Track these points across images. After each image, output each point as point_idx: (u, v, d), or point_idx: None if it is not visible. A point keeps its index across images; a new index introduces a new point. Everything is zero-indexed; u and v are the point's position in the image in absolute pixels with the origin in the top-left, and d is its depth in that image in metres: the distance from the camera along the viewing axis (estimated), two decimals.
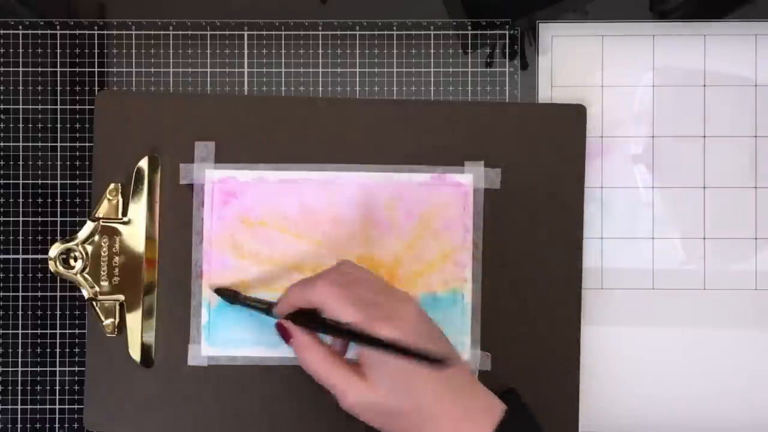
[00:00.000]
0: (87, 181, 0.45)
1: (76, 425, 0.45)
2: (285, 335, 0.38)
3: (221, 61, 0.45)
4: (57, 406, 0.45)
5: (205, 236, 0.44)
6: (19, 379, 0.45)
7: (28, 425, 0.45)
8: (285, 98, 0.45)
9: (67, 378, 0.45)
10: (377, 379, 0.35)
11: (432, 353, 0.31)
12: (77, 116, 0.45)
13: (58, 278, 0.44)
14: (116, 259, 0.43)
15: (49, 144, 0.45)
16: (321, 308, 0.36)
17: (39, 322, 0.45)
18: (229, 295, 0.42)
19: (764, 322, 0.45)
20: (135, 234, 0.43)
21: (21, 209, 0.45)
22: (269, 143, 0.44)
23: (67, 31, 0.45)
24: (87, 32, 0.45)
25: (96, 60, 0.45)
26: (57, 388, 0.45)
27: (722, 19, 0.45)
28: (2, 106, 0.45)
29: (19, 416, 0.45)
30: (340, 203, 0.44)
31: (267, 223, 0.44)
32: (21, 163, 0.45)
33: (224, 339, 0.43)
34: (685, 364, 0.45)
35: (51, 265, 0.43)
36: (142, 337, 0.43)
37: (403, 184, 0.44)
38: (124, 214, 0.43)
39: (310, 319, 0.37)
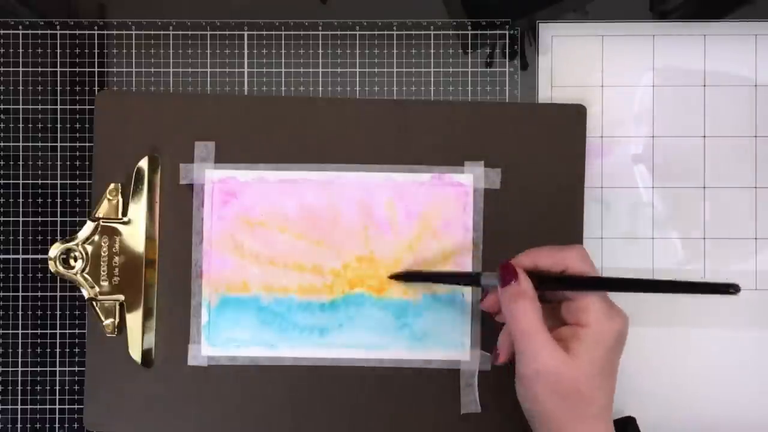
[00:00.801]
0: (87, 181, 0.45)
1: (76, 425, 0.45)
2: (509, 276, 0.36)
3: (221, 61, 0.45)
4: (57, 406, 0.45)
5: (205, 236, 0.44)
6: (19, 379, 0.45)
7: (28, 425, 0.45)
8: (285, 98, 0.45)
9: (67, 378, 0.45)
10: (584, 358, 0.35)
11: (722, 282, 0.32)
12: (77, 116, 0.45)
13: (58, 278, 0.44)
14: (116, 259, 0.43)
15: (49, 144, 0.45)
16: (568, 268, 0.36)
17: (39, 322, 0.45)
18: (415, 277, 0.43)
19: (764, 322, 0.45)
20: (135, 234, 0.43)
21: (21, 209, 0.45)
22: (269, 143, 0.44)
23: (67, 31, 0.45)
24: (87, 32, 0.45)
25: (96, 60, 0.45)
26: (57, 388, 0.45)
27: (722, 19, 0.45)
28: (2, 106, 0.45)
29: (19, 416, 0.45)
30: (340, 203, 0.44)
31: (267, 223, 0.44)
32: (21, 163, 0.45)
33: (224, 339, 0.44)
34: (685, 363, 0.45)
35: (51, 265, 0.43)
36: (142, 337, 0.43)
37: (403, 184, 0.44)
38: (124, 214, 0.43)
39: (536, 279, 0.37)
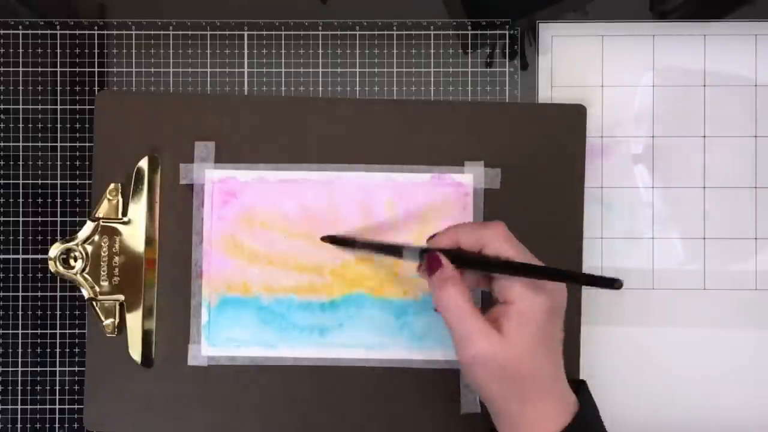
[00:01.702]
0: (87, 181, 0.45)
1: (76, 425, 0.45)
2: (432, 265, 0.36)
3: (221, 61, 0.45)
4: (57, 406, 0.45)
5: (205, 236, 0.44)
6: (19, 379, 0.45)
7: (28, 425, 0.45)
8: (285, 98, 0.45)
9: (67, 378, 0.45)
10: (515, 336, 0.34)
11: (606, 277, 0.31)
12: (77, 116, 0.45)
13: (58, 278, 0.44)
14: (116, 259, 0.43)
15: (49, 144, 0.45)
16: (485, 247, 0.36)
17: (39, 322, 0.45)
18: (345, 242, 0.42)
19: (764, 322, 0.45)
20: (135, 234, 0.43)
21: (21, 209, 0.45)
22: (269, 143, 0.44)
23: (67, 31, 0.45)
24: (87, 32, 0.45)
25: (96, 60, 0.45)
26: (57, 388, 0.45)
27: (722, 19, 0.45)
28: (2, 106, 0.45)
29: (19, 416, 0.45)
30: (340, 203, 0.44)
31: (267, 223, 0.44)
32: (21, 163, 0.45)
33: (224, 339, 0.44)
34: (685, 364, 0.45)
35: (51, 265, 0.43)
36: (142, 337, 0.43)
37: (403, 184, 0.44)
38: (124, 214, 0.43)
39: (459, 259, 0.36)
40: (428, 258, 0.36)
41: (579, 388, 0.38)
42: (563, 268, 0.44)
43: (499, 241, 0.35)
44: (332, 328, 0.43)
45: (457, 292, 0.35)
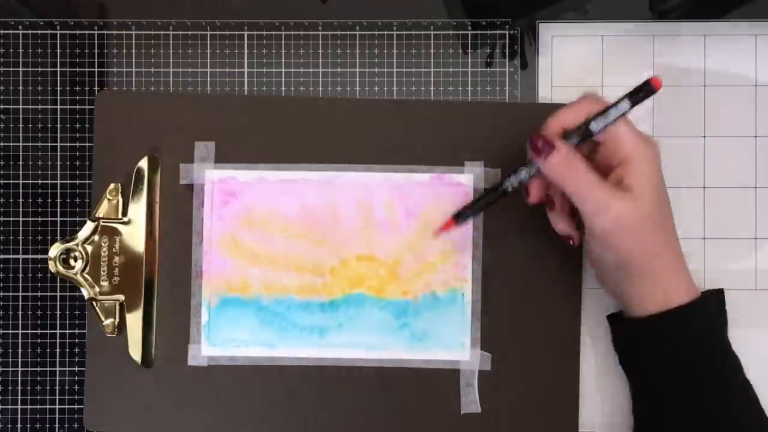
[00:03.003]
0: (87, 181, 0.45)
1: (76, 425, 0.45)
2: (543, 148, 0.36)
3: (221, 61, 0.45)
4: (57, 406, 0.45)
5: (205, 236, 0.44)
6: (19, 379, 0.45)
7: (28, 425, 0.45)
8: (285, 98, 0.45)
9: (67, 378, 0.45)
10: (643, 191, 0.36)
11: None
12: (77, 116, 0.45)
13: (58, 278, 0.44)
14: (116, 259, 0.43)
15: (49, 144, 0.45)
16: (590, 113, 0.37)
17: (39, 322, 0.45)
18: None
19: (764, 322, 0.45)
20: (135, 234, 0.43)
21: (21, 209, 0.45)
22: (269, 143, 0.44)
23: (67, 31, 0.45)
24: (87, 32, 0.45)
25: (96, 60, 0.45)
26: (57, 388, 0.45)
27: (722, 19, 0.45)
28: (2, 106, 0.45)
29: (19, 416, 0.45)
30: (340, 203, 0.44)
31: (267, 223, 0.44)
32: (21, 163, 0.45)
33: (224, 339, 0.44)
34: None
35: (51, 265, 0.43)
36: (142, 337, 0.43)
37: (403, 184, 0.44)
38: (124, 214, 0.43)
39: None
40: (536, 143, 0.36)
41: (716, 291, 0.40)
42: (563, 268, 0.44)
43: (596, 102, 0.37)
44: (332, 328, 0.43)
45: (582, 164, 0.36)
